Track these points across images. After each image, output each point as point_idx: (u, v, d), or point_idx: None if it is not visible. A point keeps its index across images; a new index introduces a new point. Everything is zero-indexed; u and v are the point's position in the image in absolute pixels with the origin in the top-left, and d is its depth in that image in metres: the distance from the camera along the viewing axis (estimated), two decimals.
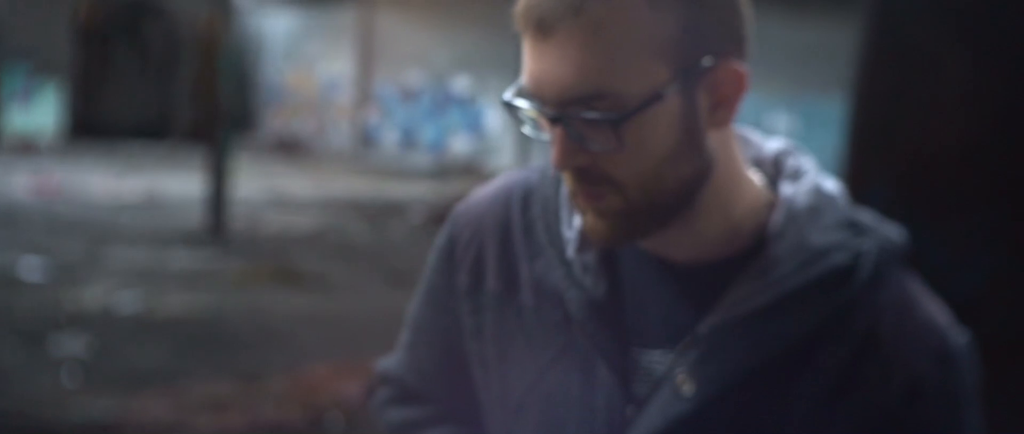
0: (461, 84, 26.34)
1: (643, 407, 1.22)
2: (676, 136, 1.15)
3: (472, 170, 24.97)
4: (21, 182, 20.67)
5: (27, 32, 30.76)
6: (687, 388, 1.19)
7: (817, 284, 1.18)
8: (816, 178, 1.26)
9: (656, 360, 1.23)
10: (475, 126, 26.07)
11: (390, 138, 27.00)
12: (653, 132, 1.13)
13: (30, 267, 11.26)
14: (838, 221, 1.22)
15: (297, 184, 20.58)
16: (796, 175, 1.26)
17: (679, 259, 1.23)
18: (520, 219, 1.32)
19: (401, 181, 22.17)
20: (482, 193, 1.39)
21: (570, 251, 1.26)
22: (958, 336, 1.23)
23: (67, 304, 9.47)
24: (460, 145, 26.24)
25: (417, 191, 20.21)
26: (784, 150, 1.29)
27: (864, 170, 3.40)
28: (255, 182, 19.39)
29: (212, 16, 16.77)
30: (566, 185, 1.20)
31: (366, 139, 27.18)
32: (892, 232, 1.24)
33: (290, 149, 27.25)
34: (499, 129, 26.10)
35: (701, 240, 1.22)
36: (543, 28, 1.14)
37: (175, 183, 19.73)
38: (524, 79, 1.17)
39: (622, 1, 1.11)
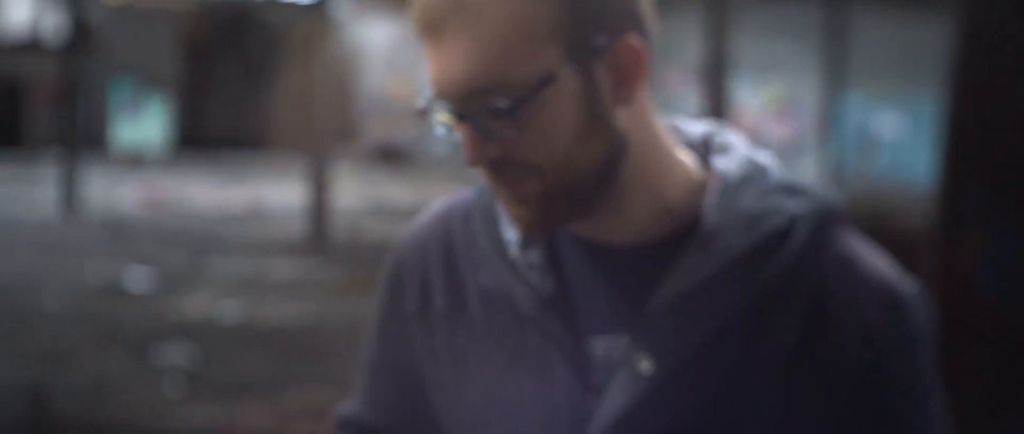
0: None
1: (603, 394, 1.21)
2: (579, 116, 1.15)
3: None
4: (129, 194, 21.20)
5: (134, 47, 31.52)
6: (645, 367, 1.19)
7: (757, 249, 1.19)
8: (746, 150, 1.27)
9: (610, 346, 1.23)
10: None
11: None
12: (554, 114, 1.14)
13: (136, 278, 11.54)
14: (772, 187, 1.23)
15: (397, 192, 20.81)
16: (725, 149, 1.27)
17: (620, 243, 1.23)
18: (462, 235, 1.32)
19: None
20: (422, 219, 1.39)
21: (513, 251, 1.26)
22: (906, 285, 1.23)
23: (171, 314, 9.68)
24: None
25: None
26: (711, 130, 1.30)
27: (960, 171, 3.33)
28: (356, 191, 19.65)
29: (311, 27, 17.01)
30: (486, 179, 1.21)
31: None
32: (827, 192, 1.24)
33: (390, 158, 27.58)
34: None
35: (636, 222, 1.22)
36: (433, 29, 1.15)
37: (277, 193, 20.08)
38: (431, 84, 1.18)
39: None
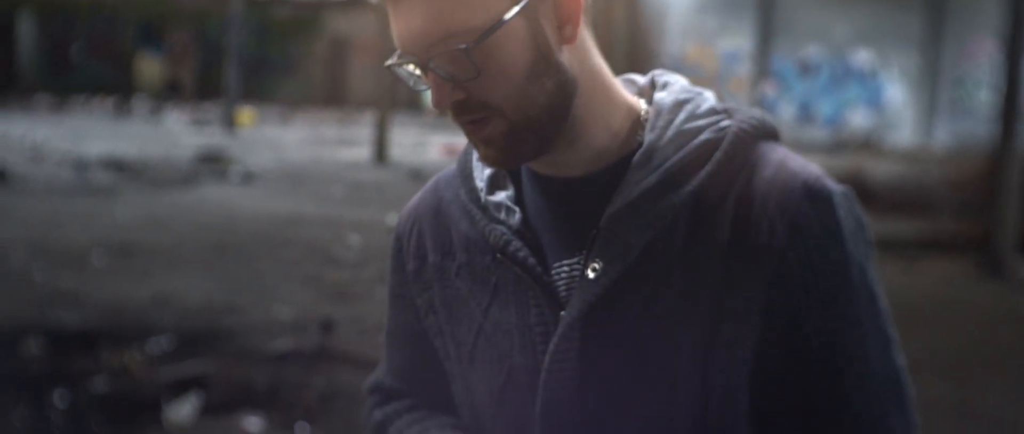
0: (861, 58, 25.75)
1: (567, 306, 1.33)
2: (530, 56, 1.26)
3: (870, 145, 24.40)
4: (436, 145, 22.30)
5: None
6: (593, 271, 1.30)
7: (690, 160, 1.29)
8: (684, 84, 1.40)
9: (574, 265, 1.34)
10: (875, 101, 25.44)
11: (787, 112, 26.83)
12: (506, 55, 1.26)
13: None
14: (705, 110, 1.34)
15: None
16: (666, 85, 1.40)
17: (576, 175, 1.35)
18: (447, 195, 1.47)
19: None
20: (418, 193, 1.53)
21: (483, 196, 1.40)
22: (831, 182, 1.30)
23: None
24: (859, 120, 25.68)
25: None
26: (656, 73, 1.44)
27: None
28: None
29: None
30: (455, 123, 1.32)
31: (761, 109, 27.11)
32: (755, 112, 1.35)
33: None
34: (900, 104, 25.33)
35: (588, 153, 1.33)
36: None
37: None
38: (396, 42, 1.30)
39: None
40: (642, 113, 1.37)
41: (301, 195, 14.78)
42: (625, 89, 1.40)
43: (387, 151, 19.87)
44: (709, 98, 1.38)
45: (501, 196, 1.40)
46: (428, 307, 1.49)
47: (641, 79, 1.44)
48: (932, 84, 25.49)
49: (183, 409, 5.71)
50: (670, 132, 1.33)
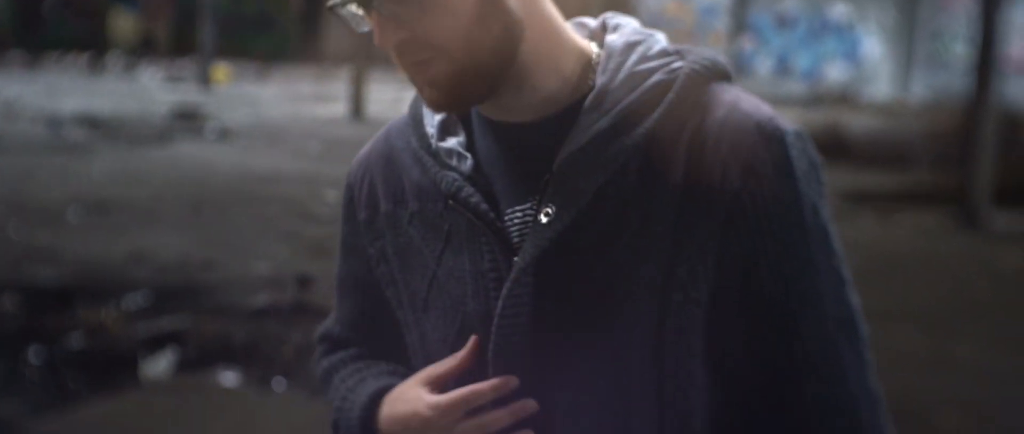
0: (838, 11, 25.74)
1: (520, 252, 1.31)
2: None
3: (847, 98, 24.44)
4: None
5: None
6: (545, 216, 1.28)
7: (642, 102, 1.28)
8: (636, 26, 1.38)
9: (527, 210, 1.32)
10: (852, 54, 25.47)
11: (765, 66, 26.84)
12: None
13: None
14: (657, 52, 1.32)
15: None
16: (617, 28, 1.38)
17: (526, 120, 1.33)
18: (398, 143, 1.45)
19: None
20: (369, 142, 1.52)
21: (434, 143, 1.38)
22: (784, 121, 1.29)
23: None
24: (836, 73, 25.71)
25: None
26: (607, 16, 1.41)
27: None
28: None
29: None
30: (399, 67, 1.30)
31: (740, 67, 27.14)
32: (708, 52, 1.33)
33: None
34: (877, 57, 25.35)
35: (538, 98, 1.32)
36: None
37: None
38: None
39: None
40: (593, 56, 1.35)
41: (278, 152, 14.73)
42: (576, 32, 1.38)
43: (364, 107, 19.80)
44: (660, 40, 1.36)
45: (452, 142, 1.38)
46: (380, 256, 1.47)
47: (592, 22, 1.42)
48: (909, 37, 25.53)
49: (159, 365, 5.71)
50: (621, 74, 1.31)
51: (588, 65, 1.34)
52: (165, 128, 16.51)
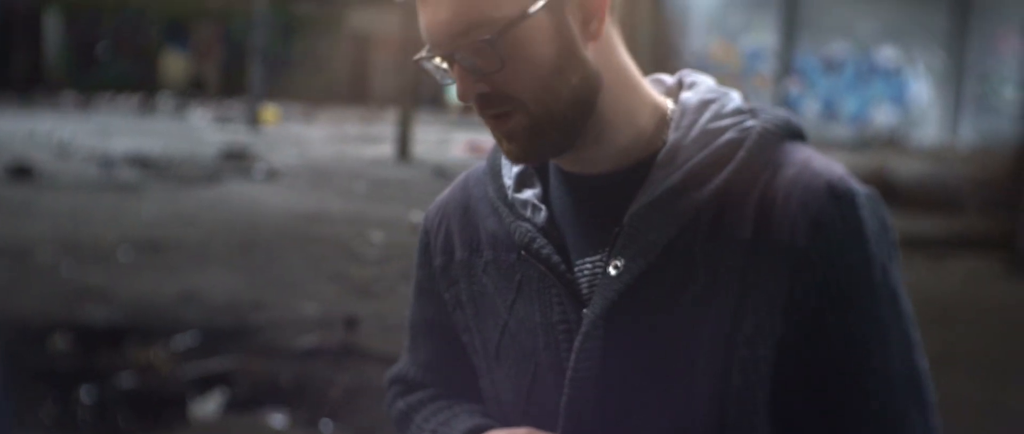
0: (886, 55, 25.65)
1: (590, 304, 1.34)
2: (554, 50, 1.28)
3: (895, 142, 24.30)
4: (459, 142, 22.33)
5: None
6: (615, 268, 1.31)
7: (714, 159, 1.31)
8: (711, 84, 1.40)
9: (597, 262, 1.35)
10: (899, 98, 25.35)
11: (811, 109, 26.74)
12: (531, 48, 1.27)
13: None
14: (730, 110, 1.35)
15: None
16: (693, 85, 1.41)
17: (600, 172, 1.35)
18: (476, 192, 1.48)
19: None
20: (447, 188, 1.55)
21: (511, 194, 1.42)
22: (856, 183, 1.30)
23: None
24: (883, 117, 25.58)
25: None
26: (684, 73, 1.44)
27: None
28: None
29: None
30: (479, 116, 1.33)
31: (787, 110, 27.06)
32: (781, 112, 1.36)
33: None
34: (926, 101, 25.21)
35: (614, 151, 1.34)
36: None
37: None
38: (424, 36, 1.31)
39: None
40: (668, 112, 1.37)
41: (325, 192, 14.83)
42: (653, 88, 1.40)
43: (410, 148, 19.90)
44: (735, 98, 1.38)
45: (528, 194, 1.41)
46: (455, 302, 1.50)
47: (669, 79, 1.45)
48: (957, 81, 25.37)
49: (208, 405, 5.74)
50: (694, 131, 1.33)
51: (663, 120, 1.37)
52: (214, 168, 16.68)
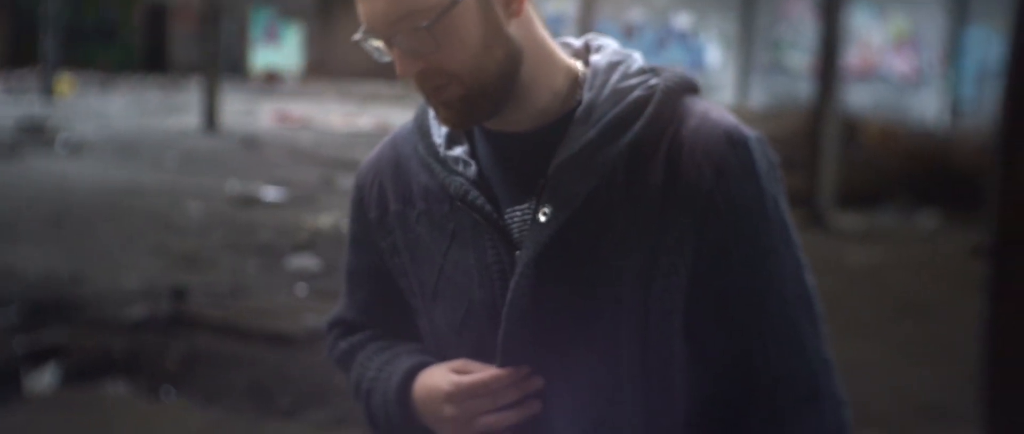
0: (682, 20, 26.47)
1: (521, 247, 1.49)
2: (482, 30, 1.43)
3: None
4: (266, 112, 22.07)
5: None
6: (543, 215, 1.46)
7: (625, 115, 1.46)
8: (616, 47, 1.57)
9: (526, 210, 1.50)
10: (697, 62, 26.19)
11: None
12: (462, 30, 1.42)
13: (269, 190, 12.25)
14: (636, 70, 1.51)
15: None
16: (600, 48, 1.57)
17: (522, 130, 1.51)
18: (405, 150, 1.62)
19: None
20: (376, 148, 1.68)
21: (442, 151, 1.56)
22: (747, 129, 1.48)
23: (302, 224, 10.34)
24: None
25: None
26: (590, 37, 1.60)
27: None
28: None
29: None
30: (417, 89, 1.48)
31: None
32: (678, 70, 1.53)
33: None
34: (720, 65, 26.14)
35: (534, 111, 1.50)
36: None
37: (403, 117, 20.62)
38: (362, 20, 1.46)
39: None
40: (580, 74, 1.53)
41: (135, 164, 14.53)
42: (563, 51, 1.55)
43: (218, 118, 19.60)
44: (638, 59, 1.55)
45: (458, 151, 1.55)
46: (392, 249, 1.63)
47: (576, 42, 1.60)
48: (748, 46, 26.34)
49: (44, 379, 5.67)
50: (606, 90, 1.49)
51: (575, 82, 1.52)
52: (11, 142, 16.08)
